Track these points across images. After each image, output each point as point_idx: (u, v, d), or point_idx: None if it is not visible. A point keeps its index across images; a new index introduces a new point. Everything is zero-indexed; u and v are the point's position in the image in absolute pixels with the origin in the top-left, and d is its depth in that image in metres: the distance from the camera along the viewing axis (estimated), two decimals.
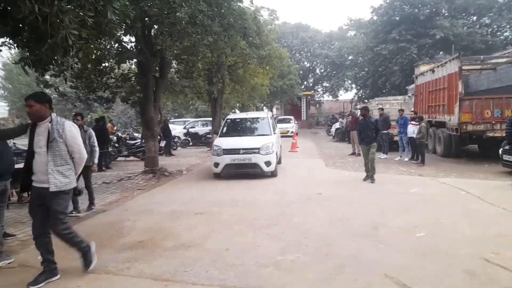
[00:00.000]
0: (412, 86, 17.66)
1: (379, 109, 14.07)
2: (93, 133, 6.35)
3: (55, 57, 5.11)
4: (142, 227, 5.51)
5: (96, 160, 6.44)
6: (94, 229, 5.52)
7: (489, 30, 27.46)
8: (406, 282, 3.49)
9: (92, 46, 7.43)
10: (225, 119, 11.81)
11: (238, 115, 14.32)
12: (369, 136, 8.65)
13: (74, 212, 6.18)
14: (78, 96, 10.89)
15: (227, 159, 9.50)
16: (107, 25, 5.32)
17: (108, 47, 9.31)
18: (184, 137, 20.99)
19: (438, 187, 8.04)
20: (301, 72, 40.96)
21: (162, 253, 4.43)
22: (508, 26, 27.67)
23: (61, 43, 4.32)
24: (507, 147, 8.75)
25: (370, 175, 8.63)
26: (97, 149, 6.37)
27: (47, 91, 10.22)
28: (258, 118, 11.51)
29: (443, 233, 4.89)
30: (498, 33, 27.81)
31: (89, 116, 30.64)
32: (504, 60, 12.80)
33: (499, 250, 4.23)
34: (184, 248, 4.56)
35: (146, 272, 3.88)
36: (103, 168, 11.98)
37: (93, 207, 6.77)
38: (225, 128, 11.08)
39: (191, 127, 22.60)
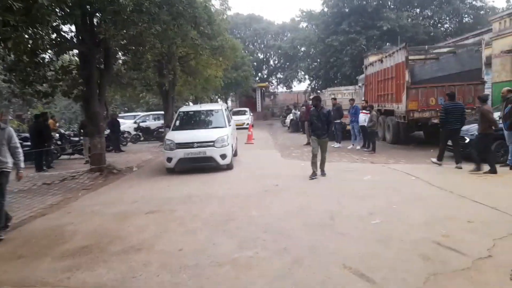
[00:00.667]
0: (362, 76, 18.16)
1: (332, 99, 14.29)
2: (12, 132, 5.21)
3: None
4: (86, 231, 5.06)
5: (22, 165, 5.30)
6: (31, 236, 5.00)
7: (431, 22, 28.99)
8: (364, 271, 3.46)
9: (24, 35, 6.72)
10: (178, 112, 11.36)
11: (191, 107, 13.88)
12: (320, 128, 7.89)
13: None
14: (12, 91, 9.85)
15: (180, 153, 9.13)
16: (38, 11, 4.78)
17: (44, 36, 8.52)
18: (135, 132, 20.09)
19: (390, 173, 8.27)
20: (255, 63, 40.84)
21: (108, 258, 4.07)
22: (447, 18, 29.40)
23: None
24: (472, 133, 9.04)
25: (321, 170, 8.01)
26: (20, 150, 5.24)
27: None
28: (212, 110, 11.17)
29: (397, 219, 4.97)
30: (439, 24, 29.44)
31: (28, 113, 28.49)
32: (446, 50, 13.49)
33: (448, 232, 4.35)
34: (133, 252, 4.22)
35: (89, 282, 3.53)
36: (44, 168, 11.08)
37: (1, 235, 5.00)
38: (177, 121, 10.65)
39: (142, 121, 21.68)
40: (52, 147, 12.25)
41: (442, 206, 5.51)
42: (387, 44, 25.79)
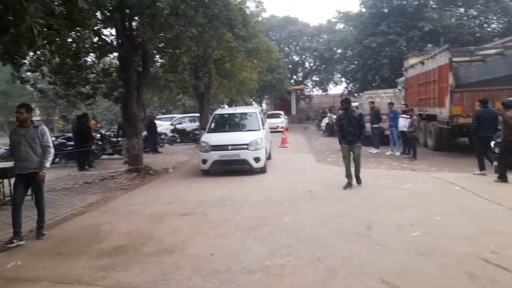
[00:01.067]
0: (402, 79, 17.51)
1: (369, 102, 13.86)
2: (46, 130, 5.08)
3: (22, 49, 4.72)
4: (122, 231, 5.16)
5: (47, 164, 5.01)
6: (71, 234, 5.17)
7: (477, 22, 27.50)
8: (404, 287, 3.25)
9: (66, 38, 7.02)
10: (213, 115, 11.51)
11: (226, 110, 14.00)
12: (351, 134, 7.25)
13: (14, 241, 4.70)
14: (57, 92, 10.35)
15: (215, 155, 9.23)
16: (78, 15, 4.94)
17: (86, 39, 8.88)
18: (171, 134, 20.54)
19: (432, 182, 7.85)
20: (290, 66, 40.66)
21: (142, 259, 4.11)
22: (495, 18, 27.74)
23: (25, 33, 3.94)
24: (498, 140, 8.59)
25: (356, 177, 7.47)
26: (51, 150, 5.04)
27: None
28: (246, 113, 11.21)
29: (439, 231, 4.67)
30: (485, 25, 27.85)
31: (73, 113, 29.98)
32: (493, 51, 12.69)
33: (498, 248, 4.02)
34: (166, 254, 4.24)
35: (123, 282, 3.56)
36: (86, 167, 11.54)
37: (44, 233, 5.08)
38: (213, 124, 10.76)
39: (178, 123, 22.11)
40: (93, 147, 12.76)
41: (490, 219, 5.12)
42: (429, 45, 24.73)
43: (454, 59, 11.59)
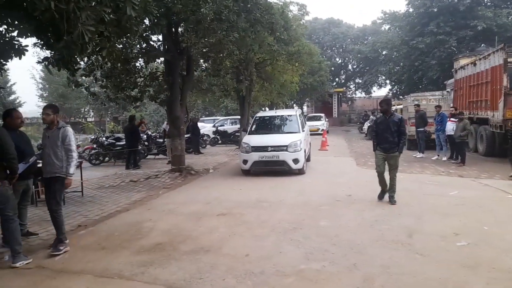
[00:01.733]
0: (451, 80, 16.64)
1: (414, 105, 13.30)
2: (69, 132, 4.67)
3: (75, 55, 5.05)
4: (162, 228, 5.36)
5: (71, 170, 4.63)
6: (115, 229, 5.44)
7: None
8: None
9: (116, 44, 7.41)
10: (254, 117, 11.90)
11: (266, 112, 14.19)
12: (388, 141, 6.29)
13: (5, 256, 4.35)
14: (108, 95, 10.97)
15: (255, 156, 9.56)
16: (127, 22, 5.20)
17: (135, 45, 9.33)
18: (213, 135, 20.98)
19: (481, 189, 7.38)
20: (332, 68, 40.01)
21: (179, 257, 4.24)
22: None
23: (77, 40, 4.22)
24: None
25: (390, 195, 6.42)
26: (73, 154, 4.64)
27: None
28: (286, 115, 11.48)
29: (488, 242, 4.38)
30: None
31: (123, 115, 31.51)
32: None
33: None
34: (203, 253, 4.34)
35: (160, 279, 3.69)
36: (131, 166, 12.11)
37: (61, 248, 4.50)
38: (254, 126, 11.16)
39: (220, 125, 22.56)
40: (140, 147, 13.35)
41: None
42: (482, 45, 23.26)
43: (510, 59, 10.83)
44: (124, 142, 13.28)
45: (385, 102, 6.65)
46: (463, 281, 3.44)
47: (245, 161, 9.75)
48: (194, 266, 3.95)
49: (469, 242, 4.36)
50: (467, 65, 13.65)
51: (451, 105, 13.85)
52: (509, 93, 10.28)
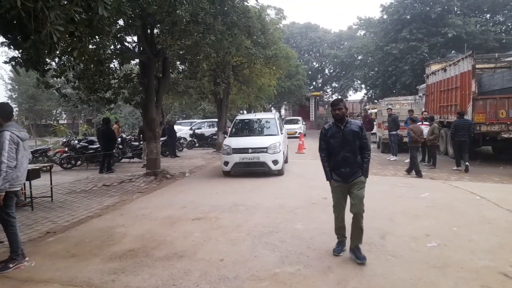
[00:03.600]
0: (423, 85, 17.17)
1: (387, 109, 13.63)
2: (2, 137, 3.98)
3: (44, 55, 4.88)
4: (135, 234, 5.22)
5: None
6: (86, 236, 5.26)
7: (503, 28, 26.73)
8: None
9: (88, 45, 7.21)
10: (234, 120, 12.20)
11: (246, 116, 14.31)
12: (348, 162, 4.12)
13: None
14: (80, 97, 10.67)
15: (236, 158, 9.89)
16: (99, 22, 5.07)
17: (108, 45, 9.11)
18: (190, 138, 20.78)
19: (451, 191, 7.61)
20: (309, 72, 40.56)
21: (152, 263, 4.14)
22: None
23: (45, 40, 4.07)
24: None
25: (354, 247, 4.10)
26: (3, 159, 3.92)
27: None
28: (266, 118, 11.86)
29: (457, 243, 4.51)
30: None
31: (97, 117, 30.78)
32: None
33: None
34: (176, 258, 4.26)
35: (132, 286, 3.59)
36: (105, 170, 11.79)
37: (10, 265, 4.08)
38: (234, 129, 11.48)
39: (197, 128, 22.38)
40: (114, 150, 13.03)
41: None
42: (452, 52, 24.18)
43: (478, 65, 11.28)
44: (97, 145, 12.94)
45: (339, 104, 4.18)
46: (432, 281, 3.52)
47: (226, 163, 10.01)
48: (167, 272, 3.87)
49: (439, 243, 4.48)
50: (438, 71, 14.13)
51: (423, 109, 14.28)
52: (477, 98, 10.69)
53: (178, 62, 12.48)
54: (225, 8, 9.53)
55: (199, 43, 9.15)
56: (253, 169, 9.89)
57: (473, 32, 24.14)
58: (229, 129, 12.16)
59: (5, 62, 5.80)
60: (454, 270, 3.75)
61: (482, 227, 5.12)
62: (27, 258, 4.29)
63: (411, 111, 12.74)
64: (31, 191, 7.18)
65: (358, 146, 4.14)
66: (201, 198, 7.53)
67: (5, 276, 3.94)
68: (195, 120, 27.43)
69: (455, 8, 26.95)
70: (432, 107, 14.37)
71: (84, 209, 6.99)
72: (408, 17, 26.55)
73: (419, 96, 17.55)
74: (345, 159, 4.12)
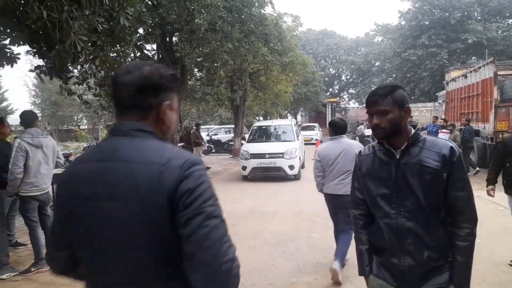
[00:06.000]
0: (443, 92, 16.87)
1: None
2: (15, 145, 4.09)
3: (67, 64, 5.04)
4: None
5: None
6: None
7: None
8: None
9: (109, 53, 7.40)
10: (252, 127, 12.68)
11: (264, 122, 14.62)
12: (408, 238, 1.69)
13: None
14: (101, 104, 10.95)
15: (254, 162, 10.21)
16: (120, 32, 5.21)
17: (129, 54, 9.33)
18: (207, 144, 20.94)
19: None
20: (326, 79, 40.42)
21: None
22: None
23: (69, 49, 4.21)
24: None
25: None
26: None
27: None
28: (282, 125, 12.24)
29: (478, 255, 4.32)
30: None
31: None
32: None
33: None
34: None
35: None
36: None
37: (32, 269, 4.19)
38: (252, 135, 11.88)
39: (214, 134, 22.55)
40: None
41: None
42: (473, 58, 23.73)
43: (500, 72, 11.02)
44: None
45: (381, 100, 1.65)
46: None
47: (244, 167, 10.36)
48: None
49: None
50: (458, 77, 13.87)
51: (443, 116, 14.03)
52: (499, 106, 10.44)
53: (196, 69, 12.66)
54: (243, 17, 9.66)
55: (217, 51, 9.28)
56: (270, 174, 10.09)
57: (495, 38, 23.66)
58: (246, 135, 12.42)
59: (31, 71, 6.02)
60: (477, 283, 3.65)
61: (505, 239, 4.97)
62: None
63: (435, 117, 12.52)
64: (53, 195, 7.35)
65: (441, 202, 1.71)
66: None
67: (29, 278, 4.05)
68: (212, 126, 27.67)
69: (475, 14, 26.51)
70: (453, 114, 14.09)
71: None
72: (427, 23, 26.24)
73: (439, 103, 17.27)
74: (400, 233, 1.73)
